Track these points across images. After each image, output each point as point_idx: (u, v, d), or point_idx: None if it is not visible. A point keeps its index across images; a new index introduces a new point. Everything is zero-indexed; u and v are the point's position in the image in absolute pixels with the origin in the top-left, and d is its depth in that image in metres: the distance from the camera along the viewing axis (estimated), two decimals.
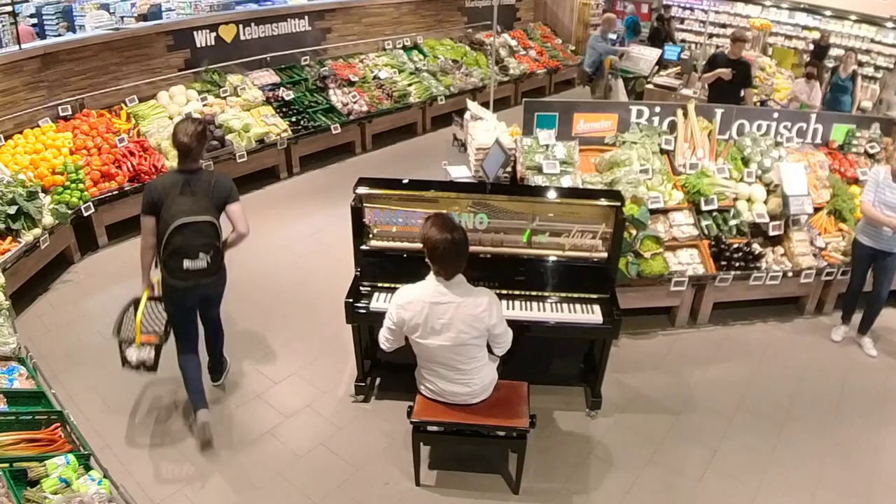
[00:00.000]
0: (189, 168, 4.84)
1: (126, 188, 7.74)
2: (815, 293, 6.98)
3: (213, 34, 9.86)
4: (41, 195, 6.97)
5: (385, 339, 4.47)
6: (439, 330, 4.20)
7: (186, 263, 4.72)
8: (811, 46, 14.08)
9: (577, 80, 14.22)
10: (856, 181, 7.33)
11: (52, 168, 7.29)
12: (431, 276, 4.25)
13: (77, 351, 6.03)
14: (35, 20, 8.98)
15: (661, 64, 13.06)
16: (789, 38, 15.20)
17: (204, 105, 9.19)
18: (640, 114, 7.29)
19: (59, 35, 8.73)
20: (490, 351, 4.49)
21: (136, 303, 5.09)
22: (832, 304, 7.06)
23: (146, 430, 5.19)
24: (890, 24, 13.53)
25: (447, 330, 4.20)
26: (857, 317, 6.62)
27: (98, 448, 4.47)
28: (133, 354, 4.96)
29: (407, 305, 4.24)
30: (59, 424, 4.31)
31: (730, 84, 9.65)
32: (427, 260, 4.22)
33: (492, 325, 4.27)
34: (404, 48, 12.64)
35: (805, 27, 14.91)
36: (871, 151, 7.62)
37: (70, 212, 7.11)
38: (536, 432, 4.80)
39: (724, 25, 16.03)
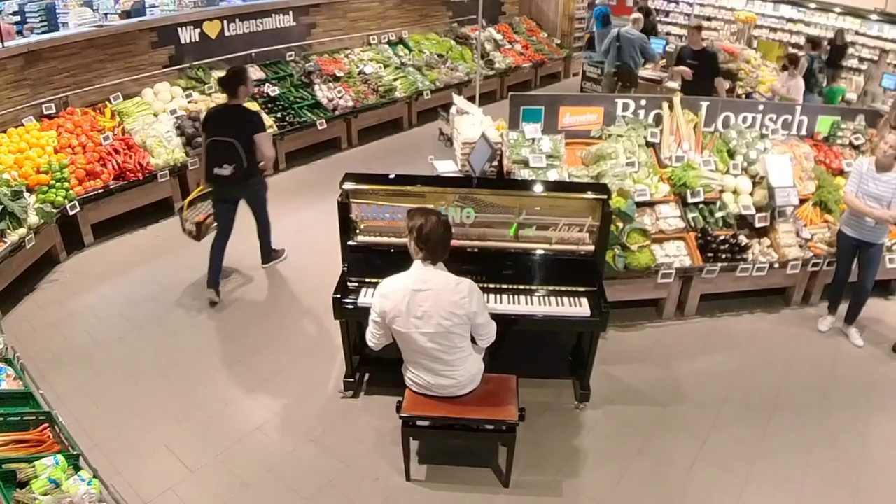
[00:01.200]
0: (230, 103, 6.43)
1: (111, 186, 7.68)
2: (801, 284, 7.02)
3: (198, 30, 9.79)
4: (26, 194, 6.92)
5: (372, 335, 4.48)
6: (420, 316, 4.23)
7: (216, 170, 6.30)
8: (828, 47, 13.93)
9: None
10: (841, 172, 7.37)
11: (37, 167, 7.23)
12: (415, 266, 4.30)
13: (64, 351, 6.01)
14: (18, 17, 8.87)
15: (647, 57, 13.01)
16: (774, 30, 15.22)
17: (189, 102, 9.14)
18: (625, 107, 7.30)
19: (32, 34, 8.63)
20: (475, 343, 4.51)
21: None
22: (818, 295, 7.09)
23: (135, 428, 5.17)
24: (874, 17, 13.58)
25: (428, 318, 4.23)
26: (843, 307, 6.67)
27: (87, 448, 4.45)
28: (186, 225, 6.75)
29: (388, 294, 4.28)
30: (47, 425, 4.30)
31: (698, 75, 9.83)
32: (414, 248, 4.27)
33: (472, 314, 4.30)
34: (389, 43, 12.59)
35: (790, 20, 14.93)
36: (857, 143, 7.66)
37: (55, 211, 7.06)
38: (525, 425, 4.79)
39: (709, 18, 16.02)
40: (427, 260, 4.27)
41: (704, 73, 10.24)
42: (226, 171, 6.26)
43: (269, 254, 7.36)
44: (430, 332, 4.26)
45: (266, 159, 6.55)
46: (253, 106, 9.53)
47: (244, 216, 6.84)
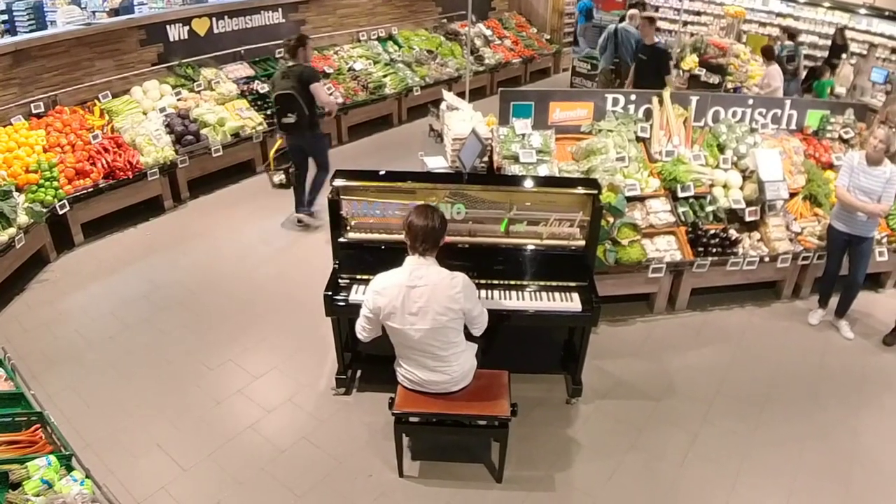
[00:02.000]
0: (291, 63, 7.62)
1: (101, 185, 7.65)
2: (791, 277, 7.05)
3: (187, 28, 9.76)
4: (15, 194, 6.89)
5: (362, 329, 4.49)
6: (416, 312, 4.23)
7: (283, 119, 7.55)
8: (828, 43, 14.00)
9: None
10: (830, 166, 7.39)
11: (26, 166, 7.20)
12: (408, 262, 4.30)
13: (55, 351, 5.98)
14: (5, 16, 8.81)
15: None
16: (763, 25, 15.22)
17: (178, 99, 9.11)
18: (615, 102, 7.31)
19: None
20: (467, 334, 4.53)
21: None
22: (809, 288, 7.13)
23: (128, 428, 5.16)
24: (863, 11, 13.60)
25: (424, 313, 4.23)
26: (833, 301, 6.70)
27: (79, 448, 4.47)
28: (273, 178, 8.53)
29: (383, 291, 4.28)
30: (39, 426, 4.29)
31: (647, 71, 9.82)
32: (409, 242, 4.29)
33: (468, 308, 4.32)
34: (379, 39, 12.58)
35: (779, 14, 14.94)
36: (846, 137, 7.68)
37: (45, 210, 7.03)
38: (518, 421, 4.80)
39: (698, 13, 16.01)
40: (419, 255, 4.28)
41: (653, 69, 10.10)
42: (290, 119, 7.51)
43: (310, 203, 8.16)
44: (426, 327, 4.26)
45: (325, 104, 7.80)
46: (244, 103, 9.54)
47: (231, 223, 6.82)
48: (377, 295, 4.30)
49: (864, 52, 13.61)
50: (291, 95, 7.37)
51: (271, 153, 8.12)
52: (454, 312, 4.28)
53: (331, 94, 9.31)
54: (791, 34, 12.81)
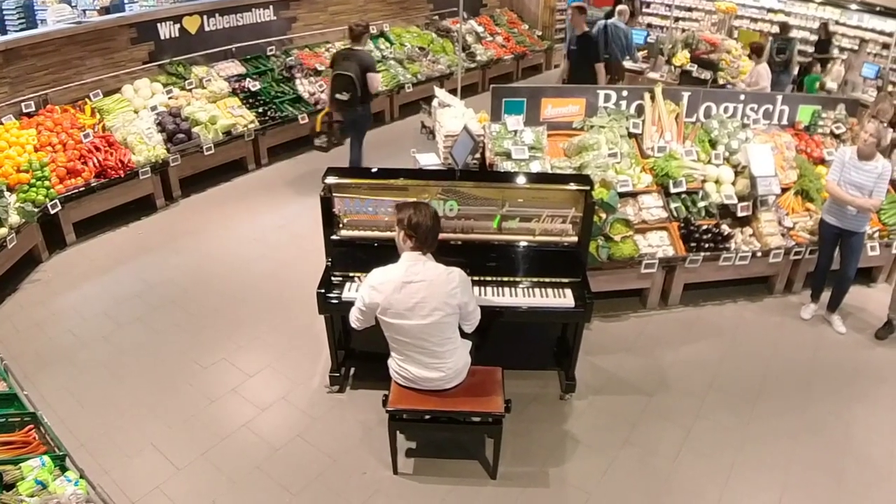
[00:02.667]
0: (353, 47, 8.49)
1: (93, 184, 7.63)
2: (783, 272, 7.07)
3: (178, 26, 9.73)
4: (6, 194, 6.87)
5: (356, 319, 4.49)
6: (412, 308, 4.22)
7: (337, 95, 8.33)
8: (814, 38, 14.09)
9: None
10: (822, 161, 7.42)
11: (17, 166, 7.17)
12: (404, 258, 4.30)
13: (48, 351, 5.96)
14: None
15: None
16: (755, 20, 15.27)
17: (169, 98, 9.09)
18: (607, 98, 7.32)
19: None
20: (462, 332, 4.53)
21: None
22: (801, 283, 7.15)
23: (121, 428, 5.14)
24: (854, 6, 13.65)
25: (420, 309, 4.22)
26: (825, 295, 6.73)
27: (73, 448, 4.44)
28: (316, 141, 8.82)
29: (379, 286, 4.27)
30: (32, 426, 4.28)
31: (579, 61, 9.90)
32: (402, 238, 4.30)
33: (463, 303, 4.33)
34: (370, 36, 12.54)
35: (770, 10, 14.97)
36: (837, 132, 7.71)
37: (36, 210, 7.01)
38: (512, 417, 4.82)
39: (689, 9, 16.06)
40: (417, 251, 4.28)
41: (584, 59, 10.04)
42: (344, 96, 8.30)
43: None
44: (422, 323, 4.26)
45: (375, 90, 8.67)
46: (235, 101, 9.52)
47: (220, 223, 6.81)
48: (373, 290, 4.29)
49: (856, 48, 13.67)
50: (350, 77, 8.18)
51: (318, 118, 8.76)
52: (451, 308, 4.28)
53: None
54: (783, 27, 12.91)
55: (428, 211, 4.30)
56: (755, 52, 11.32)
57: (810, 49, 13.90)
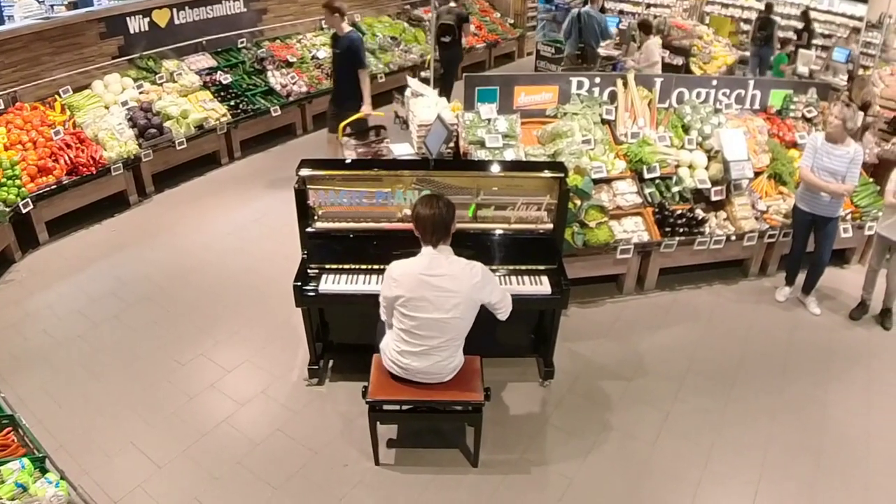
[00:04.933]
0: (453, 4, 11.39)
1: (64, 182, 7.53)
2: (758, 255, 7.14)
3: (147, 19, 9.60)
4: None
5: (382, 312, 4.49)
6: (434, 301, 4.20)
7: (441, 38, 11.06)
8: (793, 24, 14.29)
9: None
10: (794, 145, 7.48)
11: None
12: (424, 251, 4.29)
13: (24, 352, 5.90)
14: None
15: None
16: (726, 6, 15.34)
17: (140, 92, 8.98)
18: (580, 85, 7.33)
19: None
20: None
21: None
22: (775, 266, 7.23)
23: (101, 427, 5.11)
24: None
25: (444, 303, 4.21)
26: (800, 278, 6.80)
27: (52, 449, 4.41)
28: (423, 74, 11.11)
29: (400, 279, 4.24)
30: (10, 429, 4.25)
31: (342, 64, 8.24)
32: (420, 235, 4.30)
33: (488, 297, 4.37)
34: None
35: None
36: (809, 116, 7.77)
37: (7, 209, 6.92)
38: (492, 405, 4.85)
39: None
40: (426, 243, 4.27)
41: (346, 64, 8.21)
42: (446, 39, 11.16)
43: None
44: (444, 317, 4.24)
45: (467, 35, 11.76)
46: (207, 94, 9.44)
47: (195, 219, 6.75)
48: (394, 282, 4.25)
49: (828, 33, 13.81)
50: (451, 25, 11.12)
51: (429, 59, 11.20)
52: (473, 303, 4.29)
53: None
54: (768, 6, 13.13)
55: (435, 202, 4.25)
56: (642, 28, 11.50)
57: (791, 35, 14.01)
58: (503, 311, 4.55)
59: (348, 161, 5.29)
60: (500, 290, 4.50)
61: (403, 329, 4.37)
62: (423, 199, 4.32)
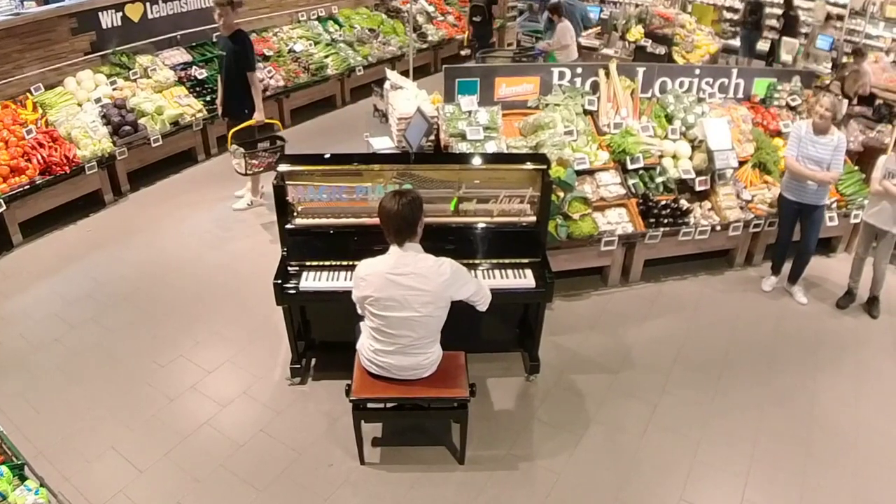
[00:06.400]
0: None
1: (38, 182, 7.38)
2: (743, 245, 7.12)
3: (120, 14, 9.44)
4: None
5: (359, 309, 4.40)
6: (402, 300, 4.14)
7: (473, 18, 12.59)
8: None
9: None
10: (779, 134, 7.47)
11: None
12: (392, 250, 4.21)
13: (0, 358, 5.78)
14: None
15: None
16: None
17: (114, 89, 8.84)
18: (562, 75, 7.28)
19: None
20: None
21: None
22: (761, 255, 7.22)
23: (80, 432, 5.01)
24: None
25: (412, 301, 4.14)
26: (786, 267, 6.80)
27: (31, 456, 4.35)
28: (462, 52, 13.25)
29: (367, 277, 4.18)
30: None
31: (230, 66, 7.49)
32: (385, 233, 4.22)
33: (459, 294, 4.30)
34: (319, 19, 12.38)
35: None
36: (793, 104, 7.76)
37: None
38: (477, 401, 4.79)
39: None
40: (395, 243, 4.18)
41: (235, 65, 7.47)
42: (477, 19, 12.37)
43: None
44: (413, 315, 4.18)
45: (497, 16, 13.23)
46: (182, 90, 9.30)
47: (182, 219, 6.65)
48: (362, 282, 4.19)
49: (819, 21, 13.84)
50: (482, 6, 12.34)
51: (466, 37, 13.04)
52: (444, 301, 4.22)
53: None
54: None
55: (398, 200, 4.12)
56: (553, 11, 11.69)
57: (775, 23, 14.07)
58: (481, 304, 4.50)
59: (327, 156, 5.18)
60: (474, 283, 4.42)
61: (374, 327, 4.32)
62: (388, 196, 4.18)
